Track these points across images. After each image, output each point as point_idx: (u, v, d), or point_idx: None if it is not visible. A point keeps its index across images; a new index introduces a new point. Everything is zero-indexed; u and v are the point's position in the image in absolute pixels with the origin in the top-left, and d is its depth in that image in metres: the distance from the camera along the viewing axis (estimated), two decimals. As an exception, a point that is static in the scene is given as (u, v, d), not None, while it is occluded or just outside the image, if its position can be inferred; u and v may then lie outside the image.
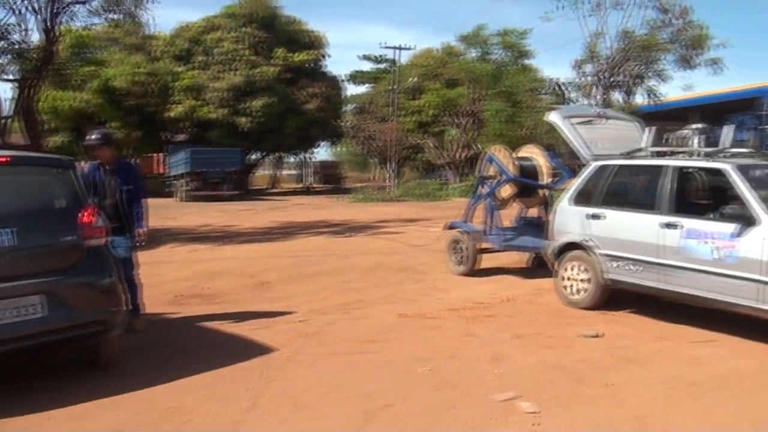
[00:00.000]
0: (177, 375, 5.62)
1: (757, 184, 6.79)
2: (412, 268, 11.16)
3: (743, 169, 6.86)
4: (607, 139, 8.81)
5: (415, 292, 9.34)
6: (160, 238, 15.36)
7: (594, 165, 8.27)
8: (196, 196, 34.70)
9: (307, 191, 50.85)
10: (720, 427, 4.69)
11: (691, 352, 6.35)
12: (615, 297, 8.05)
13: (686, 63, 26.36)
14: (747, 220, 6.41)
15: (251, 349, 6.38)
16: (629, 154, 8.05)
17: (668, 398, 5.16)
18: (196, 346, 6.67)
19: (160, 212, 23.21)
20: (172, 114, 42.43)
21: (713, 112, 30.39)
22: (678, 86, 28.47)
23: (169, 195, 37.62)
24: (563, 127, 8.78)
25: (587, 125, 8.91)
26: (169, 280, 10.24)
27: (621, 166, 8.09)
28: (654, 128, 8.29)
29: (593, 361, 6.02)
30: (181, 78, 42.90)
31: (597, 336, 6.84)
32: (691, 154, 7.77)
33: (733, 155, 7.59)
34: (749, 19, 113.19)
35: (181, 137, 46.05)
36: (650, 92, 27.94)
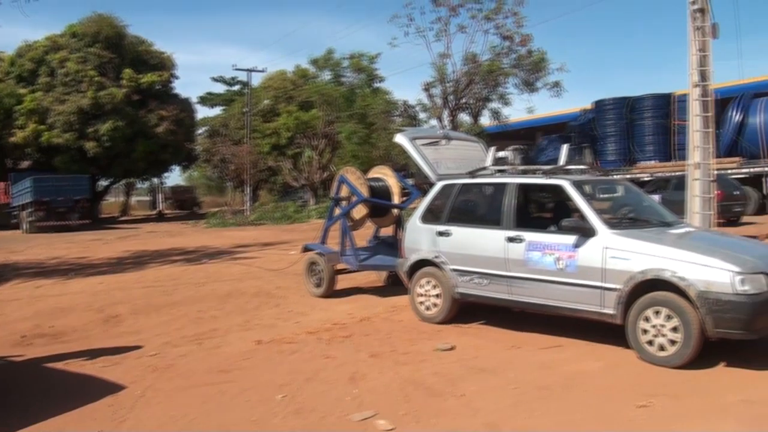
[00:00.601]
0: (23, 423, 5.25)
1: (592, 197, 7.28)
2: (269, 293, 11.05)
3: (579, 185, 7.33)
4: (452, 159, 9.14)
5: (273, 316, 9.26)
6: (3, 274, 14.44)
7: (440, 184, 8.56)
8: (42, 227, 32.66)
9: (160, 218, 49.25)
10: (569, 426, 4.95)
11: (540, 358, 6.68)
12: (468, 310, 8.33)
13: (529, 86, 27.72)
14: (585, 232, 6.83)
15: (101, 389, 6.08)
16: (473, 173, 8.37)
17: (519, 403, 5.39)
18: (43, 389, 6.27)
19: (3, 245, 21.85)
20: (14, 139, 39.80)
21: (553, 132, 32.28)
22: (522, 108, 29.79)
23: (16, 227, 35.29)
24: (410, 148, 9.04)
25: (432, 146, 9.21)
26: (13, 320, 9.61)
27: (465, 185, 8.43)
28: (494, 148, 8.69)
29: (447, 374, 6.20)
30: (25, 101, 40.34)
31: (450, 349, 7.06)
32: (532, 172, 8.19)
33: (570, 171, 8.05)
34: (584, 45, 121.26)
35: (25, 164, 43.34)
36: (495, 114, 29.19)
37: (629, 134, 26.84)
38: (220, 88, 58.17)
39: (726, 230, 15.93)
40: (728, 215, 20.05)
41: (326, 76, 37.07)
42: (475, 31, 26.21)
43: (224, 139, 44.66)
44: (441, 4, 25.91)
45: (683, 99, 25.55)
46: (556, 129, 32.26)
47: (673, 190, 19.65)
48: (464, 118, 30.47)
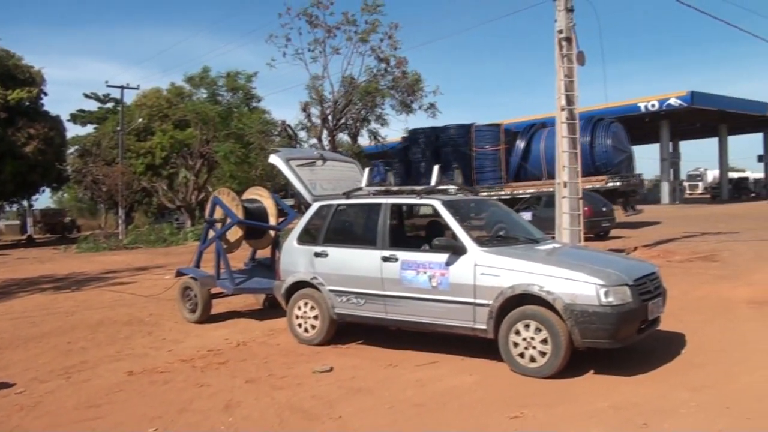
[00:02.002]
0: None
1: (462, 217, 7.44)
2: (142, 321, 10.65)
3: (450, 205, 7.48)
4: (328, 180, 9.15)
5: (146, 345, 8.90)
6: None
7: (316, 205, 8.54)
8: None
9: (30, 243, 46.63)
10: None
11: (416, 375, 6.74)
12: (347, 330, 8.33)
13: (406, 108, 28.11)
14: (456, 250, 6.98)
15: (-39, 434, 5.69)
16: (348, 194, 8.39)
17: (395, 422, 5.43)
18: None
19: None
20: None
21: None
22: (400, 129, 30.23)
23: None
24: (285, 169, 8.98)
25: (308, 167, 9.19)
26: None
27: (341, 206, 8.43)
28: (369, 168, 8.77)
29: (324, 396, 6.16)
30: None
31: (328, 370, 7.02)
32: (406, 192, 8.29)
33: (442, 192, 8.20)
34: (455, 70, 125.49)
35: None
36: (373, 134, 29.45)
37: (437, 160, 28.24)
38: (92, 105, 56.08)
39: (594, 245, 16.72)
40: (597, 230, 21.09)
41: (202, 94, 36.31)
42: (352, 52, 26.37)
43: (96, 159, 42.89)
44: (317, 26, 25.92)
45: (480, 129, 27.66)
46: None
47: (544, 207, 20.46)
48: (344, 138, 30.62)
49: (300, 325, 8.35)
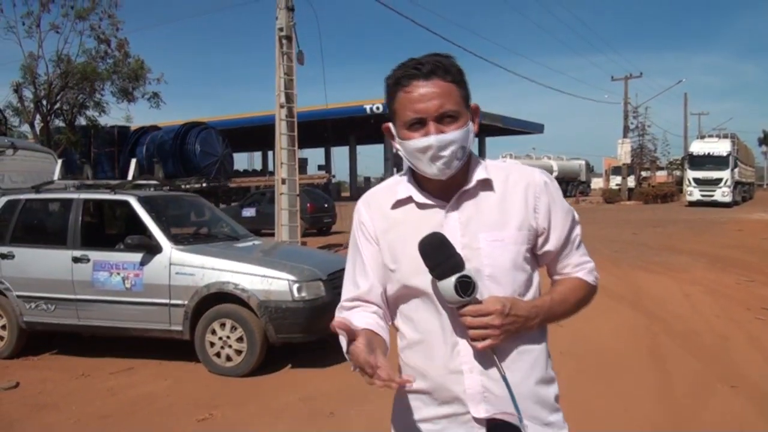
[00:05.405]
0: None
1: (159, 214, 7.18)
2: None
3: (146, 201, 7.19)
4: (18, 172, 8.43)
5: None
6: None
7: (2, 200, 7.77)
8: None
9: None
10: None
11: (108, 384, 6.40)
12: (44, 339, 7.69)
13: (127, 95, 26.50)
14: (151, 249, 6.72)
15: None
16: (38, 188, 7.75)
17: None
18: None
19: None
20: None
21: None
22: (121, 117, 28.11)
23: None
24: (-32, 158, 8.11)
25: (-4, 157, 8.40)
26: None
27: (30, 201, 7.74)
28: (63, 160, 8.19)
29: (5, 416, 5.61)
30: None
31: (14, 387, 6.41)
32: (99, 187, 7.83)
33: (139, 187, 7.86)
34: (183, 57, 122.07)
35: None
36: (91, 122, 27.37)
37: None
38: None
39: (315, 241, 17.16)
40: (318, 226, 21.68)
41: None
42: (69, 30, 24.33)
43: None
44: (30, -5, 23.47)
45: (100, 131, 27.89)
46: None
47: (267, 203, 20.61)
48: (60, 124, 28.19)
49: (-18, 339, 7.53)
